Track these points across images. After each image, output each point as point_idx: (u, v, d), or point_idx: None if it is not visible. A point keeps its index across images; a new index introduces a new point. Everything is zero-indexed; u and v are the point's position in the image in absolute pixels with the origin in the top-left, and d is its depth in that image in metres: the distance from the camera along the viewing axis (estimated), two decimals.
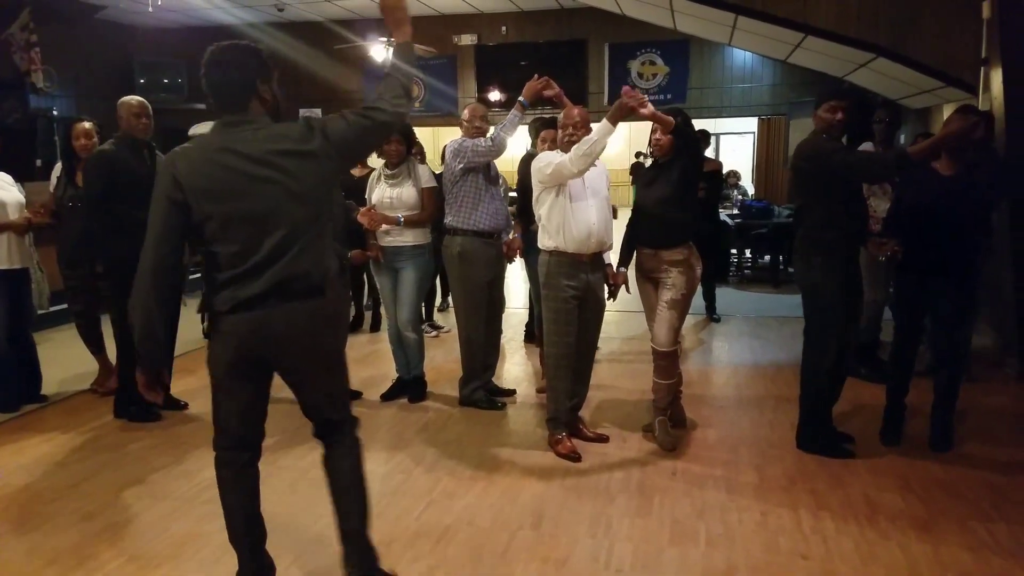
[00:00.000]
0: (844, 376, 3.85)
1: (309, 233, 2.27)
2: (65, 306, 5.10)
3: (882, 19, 6.04)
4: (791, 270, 6.17)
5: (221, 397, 2.38)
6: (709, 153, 8.21)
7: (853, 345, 4.13)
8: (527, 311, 6.30)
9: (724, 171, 9.07)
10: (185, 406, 4.62)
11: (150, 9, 6.19)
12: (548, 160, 3.64)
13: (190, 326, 6.26)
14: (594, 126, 3.56)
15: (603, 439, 3.98)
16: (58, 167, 4.86)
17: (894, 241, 3.76)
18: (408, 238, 4.49)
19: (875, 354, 5.05)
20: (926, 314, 3.80)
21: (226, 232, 2.21)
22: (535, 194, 3.79)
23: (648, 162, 4.28)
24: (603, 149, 3.47)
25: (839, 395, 3.85)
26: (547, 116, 4.77)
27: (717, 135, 11.84)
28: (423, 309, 6.17)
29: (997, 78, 5.01)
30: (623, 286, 4.03)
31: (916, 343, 3.89)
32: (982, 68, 5.58)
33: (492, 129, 4.29)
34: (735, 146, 12.44)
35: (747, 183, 11.09)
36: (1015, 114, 4.87)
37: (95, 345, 4.90)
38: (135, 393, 4.34)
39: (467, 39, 10.84)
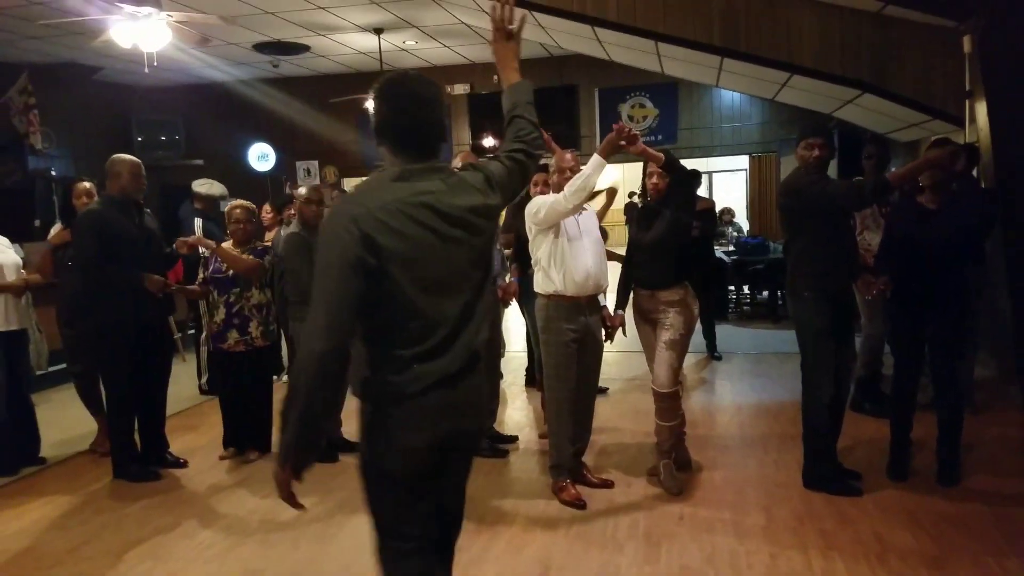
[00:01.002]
0: (842, 410, 3.84)
1: (486, 298, 2.02)
2: (64, 366, 5.10)
3: (864, 55, 6.17)
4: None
5: (401, 499, 1.95)
6: (702, 191, 8.29)
7: (852, 379, 4.13)
8: (527, 354, 6.28)
9: (718, 209, 9.14)
10: (185, 464, 4.57)
11: (146, 71, 6.30)
12: (541, 202, 3.67)
13: (187, 382, 6.29)
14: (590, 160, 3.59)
15: (608, 484, 3.94)
16: (57, 227, 4.90)
17: (883, 279, 3.78)
18: None
19: (877, 388, 5.03)
20: (924, 347, 3.80)
21: (417, 299, 1.85)
22: (531, 238, 3.81)
23: (640, 203, 4.30)
24: (596, 183, 3.50)
25: (840, 430, 3.83)
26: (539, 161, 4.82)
27: (709, 173, 11.94)
28: None
29: (982, 110, 5.09)
30: (620, 328, 4.03)
31: (916, 376, 3.88)
32: (967, 101, 5.68)
33: None
34: (728, 184, 12.55)
35: (742, 220, 11.17)
36: (1001, 145, 4.93)
37: (94, 405, 4.88)
38: (133, 452, 4.36)
39: (460, 88, 11.01)
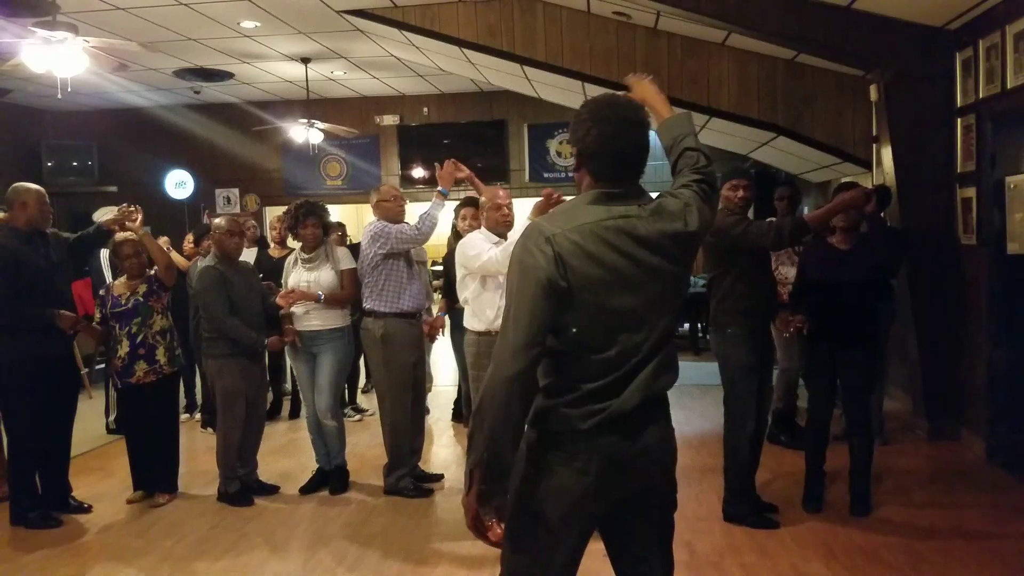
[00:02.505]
0: (761, 443, 3.94)
1: (672, 335, 1.87)
2: None
3: (780, 101, 6.45)
4: (708, 337, 6.36)
5: (542, 544, 1.78)
6: None
7: (769, 412, 4.24)
8: (455, 388, 6.23)
9: None
10: (89, 509, 4.32)
11: (59, 96, 6.05)
12: (477, 251, 3.67)
13: (94, 420, 5.97)
14: (517, 226, 3.60)
15: None
16: None
17: (800, 316, 3.92)
18: (325, 321, 4.40)
19: (793, 421, 5.18)
20: (836, 380, 3.94)
21: (604, 331, 1.75)
22: (459, 276, 3.82)
23: None
24: None
25: (759, 462, 3.92)
26: (470, 196, 4.84)
27: None
28: (346, 392, 6.04)
29: (887, 154, 5.37)
30: None
31: (829, 410, 4.02)
32: (874, 145, 5.99)
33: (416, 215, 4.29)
34: None
35: None
36: (905, 187, 5.21)
37: None
38: (33, 498, 4.09)
39: (389, 119, 10.98)
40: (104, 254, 5.72)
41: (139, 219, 4.29)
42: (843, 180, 6.11)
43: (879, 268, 4.07)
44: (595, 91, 7.29)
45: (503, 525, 1.77)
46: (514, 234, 3.55)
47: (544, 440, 1.77)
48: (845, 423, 4.13)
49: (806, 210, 8.00)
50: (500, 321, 3.59)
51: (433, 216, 4.21)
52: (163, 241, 4.98)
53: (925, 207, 5.21)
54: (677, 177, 2.01)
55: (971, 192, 4.84)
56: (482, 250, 3.66)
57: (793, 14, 5.01)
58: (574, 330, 1.74)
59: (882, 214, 5.17)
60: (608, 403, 1.73)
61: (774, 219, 4.99)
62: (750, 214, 4.05)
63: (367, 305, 4.30)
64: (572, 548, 1.81)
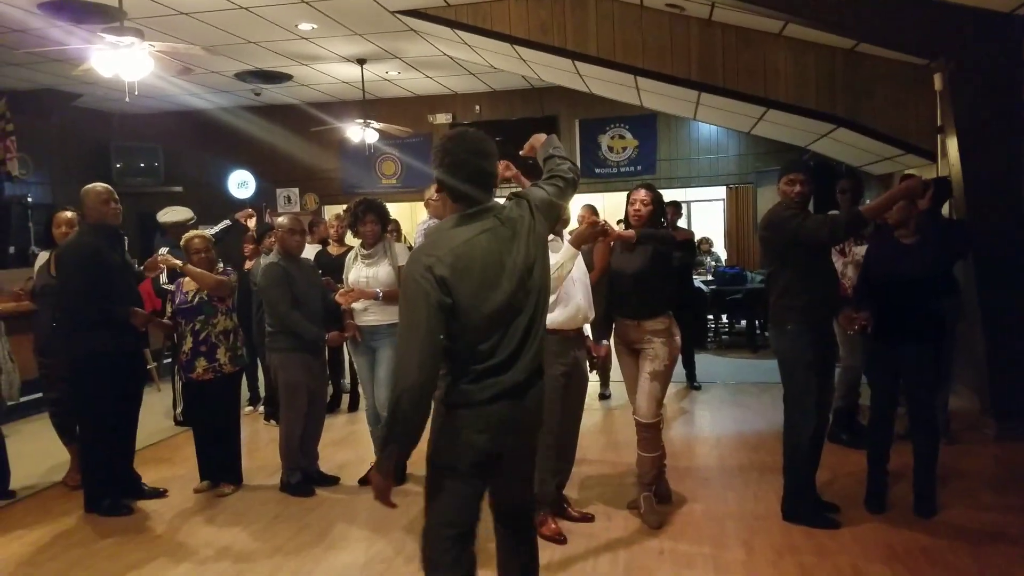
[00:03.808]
0: (822, 442, 3.86)
1: (543, 313, 2.35)
2: (36, 396, 5.01)
3: (839, 91, 6.31)
4: (767, 334, 6.29)
5: (456, 489, 2.26)
6: (682, 222, 8.36)
7: (831, 411, 4.16)
8: None
9: (696, 239, 9.23)
10: (164, 493, 4.52)
11: (127, 99, 6.29)
12: None
13: (161, 413, 6.19)
14: (562, 248, 3.57)
15: (588, 518, 3.92)
16: (43, 255, 4.85)
17: (864, 314, 3.83)
18: (385, 317, 4.47)
19: (855, 419, 5.07)
20: (900, 378, 3.84)
21: (487, 324, 2.19)
22: None
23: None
24: (569, 272, 3.54)
25: (819, 462, 3.85)
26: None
27: (688, 203, 12.07)
28: None
29: (953, 146, 5.20)
30: (607, 358, 4.02)
31: (893, 408, 3.92)
32: (938, 136, 5.81)
33: None
34: (705, 213, 12.68)
35: (719, 249, 11.28)
36: (972, 179, 5.05)
37: (68, 435, 4.77)
38: (106, 488, 4.27)
39: (442, 118, 11.10)
40: (164, 252, 5.91)
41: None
42: (905, 172, 5.93)
43: (943, 262, 3.96)
44: (648, 84, 7.27)
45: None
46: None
47: (452, 412, 2.23)
48: (909, 422, 4.03)
49: (867, 203, 7.82)
50: (558, 318, 3.54)
51: None
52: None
53: (993, 198, 5.03)
54: (546, 176, 2.58)
55: None
56: None
57: (852, 3, 4.90)
58: (463, 331, 2.17)
59: (944, 208, 5.02)
60: (500, 378, 2.20)
61: (835, 212, 4.91)
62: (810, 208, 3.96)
63: None
64: (477, 487, 2.30)
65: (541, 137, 2.79)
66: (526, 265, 2.25)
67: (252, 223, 5.46)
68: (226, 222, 5.33)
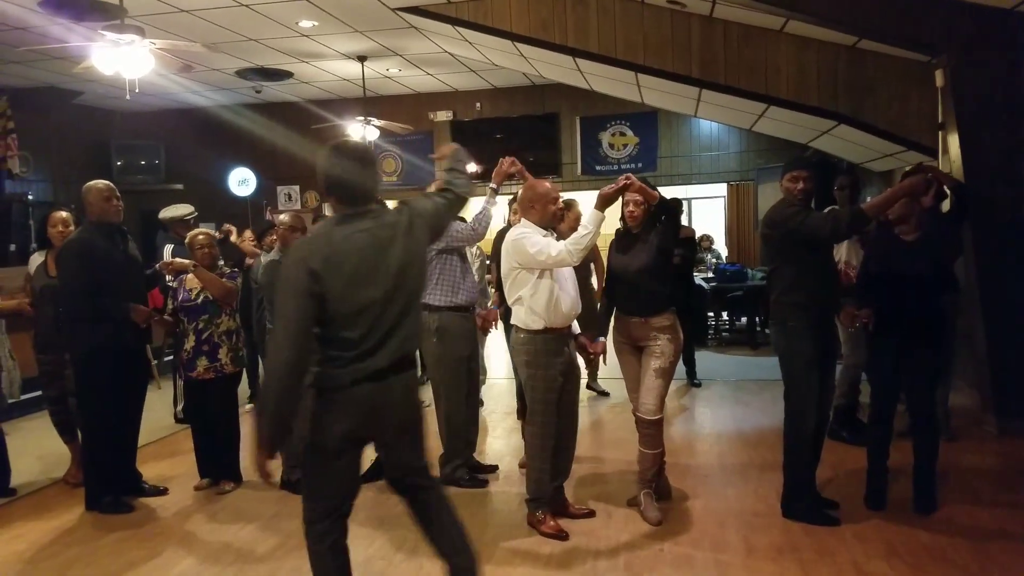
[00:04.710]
0: (822, 439, 3.86)
1: (414, 309, 2.58)
2: (37, 394, 5.01)
3: (840, 87, 6.30)
4: (768, 331, 6.27)
5: (326, 470, 2.50)
6: (682, 220, 8.37)
7: (831, 408, 4.15)
8: (510, 381, 6.26)
9: (697, 236, 9.23)
10: (165, 491, 4.53)
11: (127, 97, 6.29)
12: (541, 246, 3.54)
13: (163, 410, 6.19)
14: (586, 214, 3.60)
15: (590, 514, 3.92)
16: (38, 256, 4.86)
17: (866, 311, 3.82)
18: None
19: (855, 416, 5.06)
20: (900, 375, 3.84)
21: (355, 315, 2.40)
22: (512, 275, 3.68)
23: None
24: (597, 237, 3.54)
25: (819, 459, 3.85)
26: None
27: (688, 200, 12.06)
28: None
29: (954, 142, 5.19)
30: (602, 355, 4.02)
31: (893, 405, 3.92)
32: (940, 132, 5.80)
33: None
34: (706, 210, 12.67)
35: (720, 246, 11.27)
36: (973, 175, 5.04)
37: (68, 433, 4.78)
38: (106, 485, 4.28)
39: (443, 115, 11.08)
40: (168, 249, 5.92)
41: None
42: (908, 168, 5.92)
43: (945, 259, 3.95)
44: (649, 81, 7.27)
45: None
46: (583, 236, 3.52)
47: (323, 395, 2.44)
48: (909, 419, 4.02)
49: (868, 200, 7.82)
50: (556, 316, 3.55)
51: (488, 214, 4.24)
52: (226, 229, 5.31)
53: (994, 195, 5.02)
54: (442, 187, 2.83)
55: None
56: (545, 244, 3.55)
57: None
58: (334, 319, 2.38)
59: (943, 206, 5.00)
60: (365, 364, 2.41)
61: (835, 208, 4.90)
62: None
63: (423, 299, 4.35)
64: (349, 463, 2.55)
65: (453, 146, 3.05)
66: (399, 265, 2.47)
67: (233, 236, 5.36)
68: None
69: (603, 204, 3.51)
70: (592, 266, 5.93)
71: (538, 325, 3.64)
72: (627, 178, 3.60)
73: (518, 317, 3.72)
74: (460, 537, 2.71)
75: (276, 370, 2.33)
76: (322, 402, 2.44)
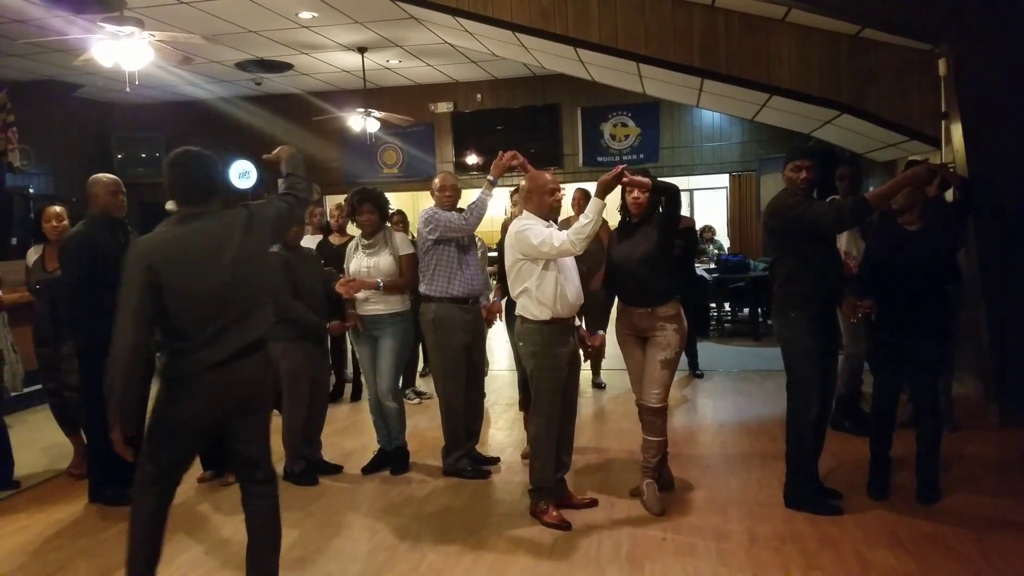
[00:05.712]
0: (825, 429, 3.86)
1: (257, 305, 2.78)
2: (39, 387, 5.01)
3: (842, 77, 6.27)
4: (770, 322, 6.27)
5: (169, 439, 2.71)
6: (683, 210, 8.34)
7: (834, 398, 4.15)
8: (512, 373, 6.26)
9: (699, 227, 9.21)
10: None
11: (127, 89, 6.27)
12: (544, 237, 3.54)
13: None
14: (588, 206, 3.57)
15: (592, 504, 3.93)
16: (35, 250, 4.85)
17: (868, 302, 3.81)
18: (386, 306, 4.48)
19: (858, 407, 5.06)
20: (903, 365, 3.83)
21: (193, 307, 2.61)
22: (517, 267, 3.67)
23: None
24: (599, 226, 3.52)
25: (822, 449, 3.85)
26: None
27: (690, 191, 12.04)
28: (406, 375, 6.13)
29: (957, 131, 5.17)
30: (601, 348, 4.02)
31: (896, 395, 3.92)
32: (943, 122, 5.77)
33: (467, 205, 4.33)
34: (708, 201, 12.64)
35: (722, 238, 11.25)
36: (977, 165, 5.02)
37: (69, 425, 4.79)
38: (110, 476, 4.28)
39: (443, 107, 11.06)
40: None
41: None
42: (910, 159, 5.90)
43: (948, 250, 3.93)
44: (651, 72, 7.23)
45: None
46: (585, 225, 3.50)
47: (168, 384, 2.67)
48: (911, 408, 4.02)
49: (871, 190, 7.80)
50: (563, 305, 3.55)
51: (482, 205, 4.23)
52: None
53: (997, 184, 5.00)
54: (282, 192, 3.02)
55: None
56: (548, 235, 3.54)
57: None
58: (177, 312, 2.59)
59: (947, 195, 4.99)
60: (204, 355, 2.61)
61: (836, 197, 4.88)
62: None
63: (421, 290, 4.35)
64: (190, 446, 2.83)
65: (289, 149, 3.17)
66: (235, 263, 2.67)
67: None
68: None
69: (603, 191, 3.50)
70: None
71: (545, 315, 3.64)
72: (622, 169, 3.59)
73: (525, 308, 3.71)
74: (269, 567, 2.91)
75: (121, 353, 2.55)
76: (169, 389, 2.66)
